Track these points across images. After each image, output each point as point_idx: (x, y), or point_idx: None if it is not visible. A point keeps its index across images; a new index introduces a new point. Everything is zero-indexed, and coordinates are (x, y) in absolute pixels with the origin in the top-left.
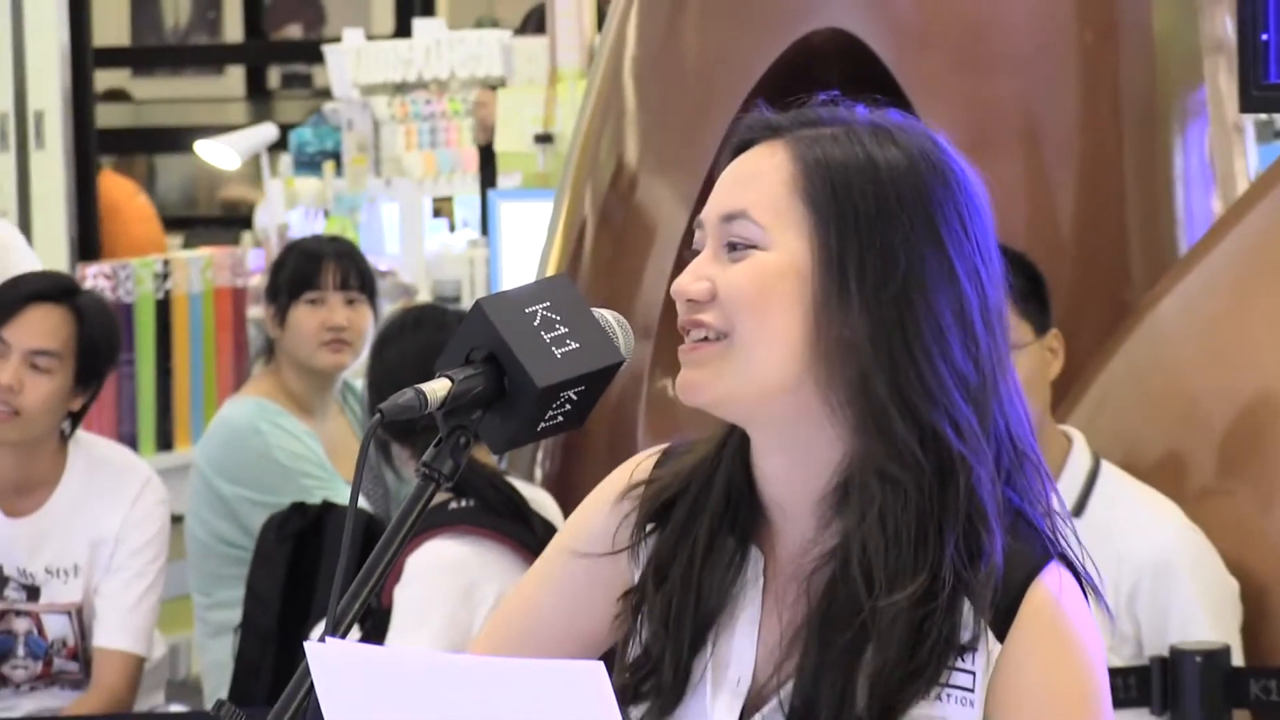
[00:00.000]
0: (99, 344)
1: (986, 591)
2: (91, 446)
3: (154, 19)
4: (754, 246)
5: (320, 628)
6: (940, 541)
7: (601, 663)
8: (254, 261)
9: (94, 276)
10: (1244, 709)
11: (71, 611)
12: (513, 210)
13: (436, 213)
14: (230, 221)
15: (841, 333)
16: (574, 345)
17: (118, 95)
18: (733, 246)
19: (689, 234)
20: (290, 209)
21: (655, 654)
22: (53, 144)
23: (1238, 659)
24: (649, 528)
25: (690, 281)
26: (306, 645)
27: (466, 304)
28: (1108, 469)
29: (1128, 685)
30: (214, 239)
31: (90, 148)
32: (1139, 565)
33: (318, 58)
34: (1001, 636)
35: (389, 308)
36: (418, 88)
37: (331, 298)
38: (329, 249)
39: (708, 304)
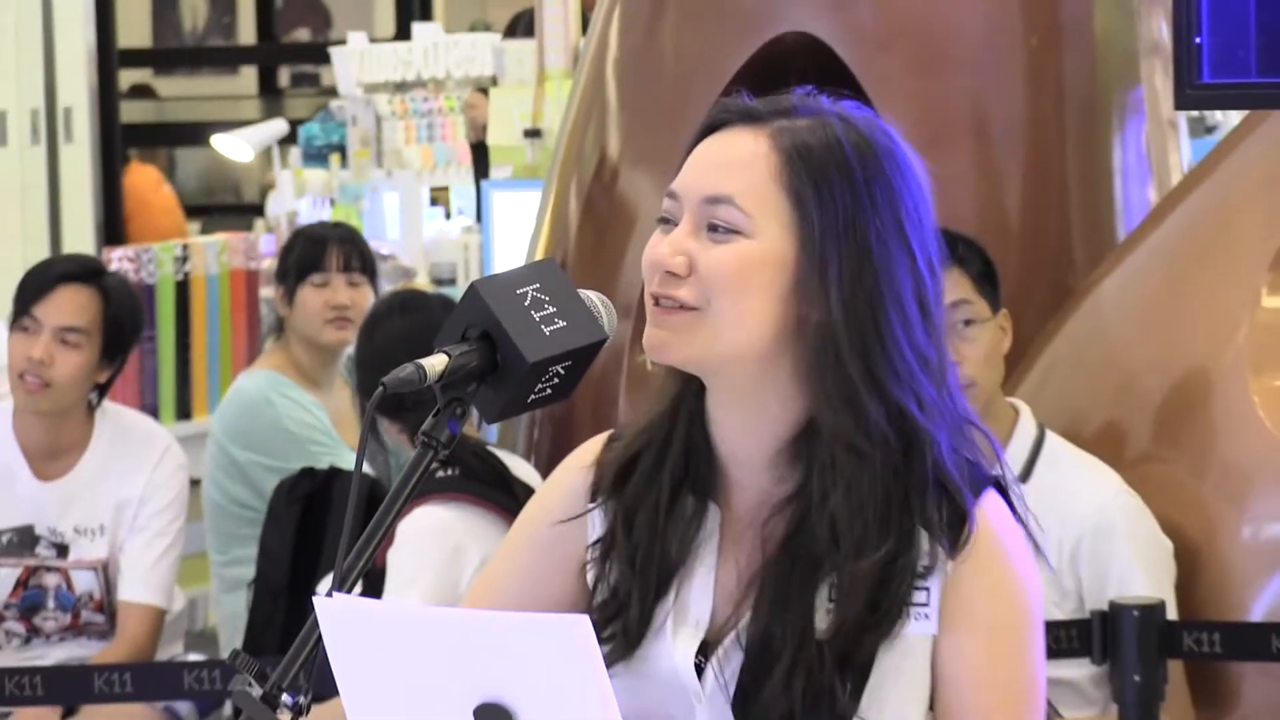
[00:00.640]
0: (123, 321)
1: (942, 525)
2: (116, 415)
3: (174, 22)
4: (738, 233)
5: (327, 583)
6: (907, 509)
7: (586, 616)
8: (265, 246)
9: (118, 259)
10: (1177, 659)
11: (98, 568)
12: (504, 199)
13: (434, 201)
14: (244, 209)
15: (816, 316)
16: (561, 324)
17: (141, 93)
18: (714, 228)
19: None
20: (299, 198)
21: (622, 596)
22: (80, 138)
23: (1172, 613)
24: (615, 482)
25: (670, 254)
26: (315, 600)
27: (461, 286)
28: (1052, 438)
29: (1070, 637)
30: (229, 225)
31: (115, 141)
32: (1080, 526)
33: (324, 59)
34: (952, 554)
35: (390, 288)
36: (416, 86)
37: (335, 279)
38: (333, 234)
39: (685, 278)
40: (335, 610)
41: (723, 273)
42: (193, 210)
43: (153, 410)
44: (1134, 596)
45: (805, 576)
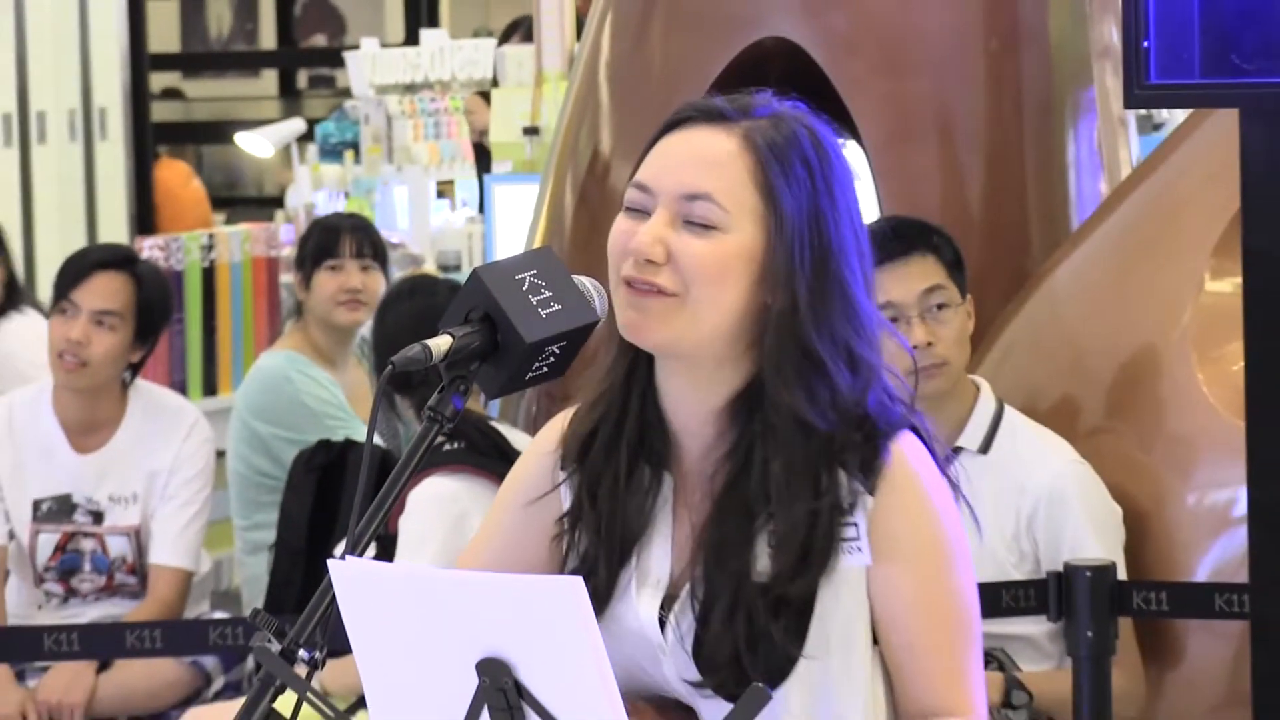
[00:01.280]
0: (154, 305)
1: (860, 463)
2: (148, 392)
3: (200, 29)
4: (716, 228)
5: (341, 547)
6: (832, 460)
7: (580, 577)
8: (285, 235)
9: (149, 248)
10: (1127, 617)
11: (131, 533)
12: (505, 192)
13: (440, 194)
14: (265, 201)
15: (779, 303)
16: (557, 307)
17: (170, 94)
18: (691, 222)
19: None
20: (316, 191)
21: (590, 562)
22: (114, 136)
23: (1122, 574)
24: (577, 458)
25: (649, 243)
26: (329, 562)
27: (465, 272)
28: (1010, 412)
29: (1028, 596)
30: (251, 216)
31: (146, 139)
32: (1036, 494)
33: (340, 62)
34: (872, 490)
35: (399, 274)
36: (424, 88)
37: (349, 265)
38: (347, 224)
39: (662, 265)
40: (347, 572)
41: (703, 265)
42: (218, 202)
43: (181, 387)
44: (1087, 559)
45: (741, 526)
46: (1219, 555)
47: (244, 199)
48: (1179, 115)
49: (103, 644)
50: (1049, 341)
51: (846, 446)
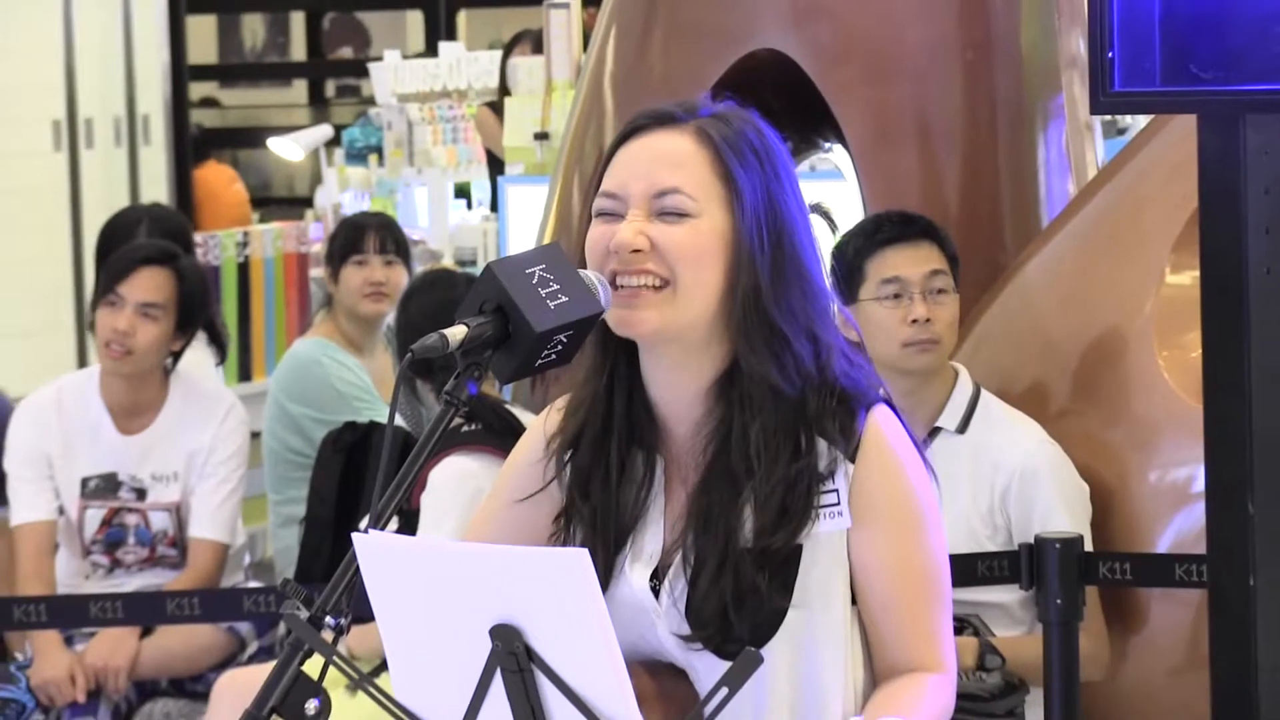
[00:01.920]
0: (194, 298)
1: (838, 431)
2: (187, 378)
3: (236, 42)
4: (688, 215)
5: (365, 521)
6: (808, 427)
7: (586, 550)
8: (314, 233)
9: None
10: (1093, 585)
11: (172, 509)
12: (517, 193)
13: (457, 194)
14: (296, 201)
15: (746, 280)
16: (564, 299)
17: (208, 102)
18: (665, 213)
19: None
20: (342, 191)
21: (589, 547)
22: (156, 141)
23: (1089, 546)
24: (567, 457)
25: (632, 235)
26: (353, 536)
27: (481, 266)
28: (985, 395)
29: (1001, 566)
30: (283, 215)
31: (186, 144)
32: (1009, 471)
33: (365, 73)
34: (852, 458)
35: (420, 268)
36: (443, 96)
37: (373, 259)
38: (371, 222)
39: (649, 254)
40: (370, 545)
41: (684, 248)
42: (252, 202)
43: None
44: (1056, 531)
45: (728, 492)
46: (1179, 528)
47: (276, 199)
48: (1141, 120)
49: (145, 611)
50: (1021, 330)
51: (824, 415)
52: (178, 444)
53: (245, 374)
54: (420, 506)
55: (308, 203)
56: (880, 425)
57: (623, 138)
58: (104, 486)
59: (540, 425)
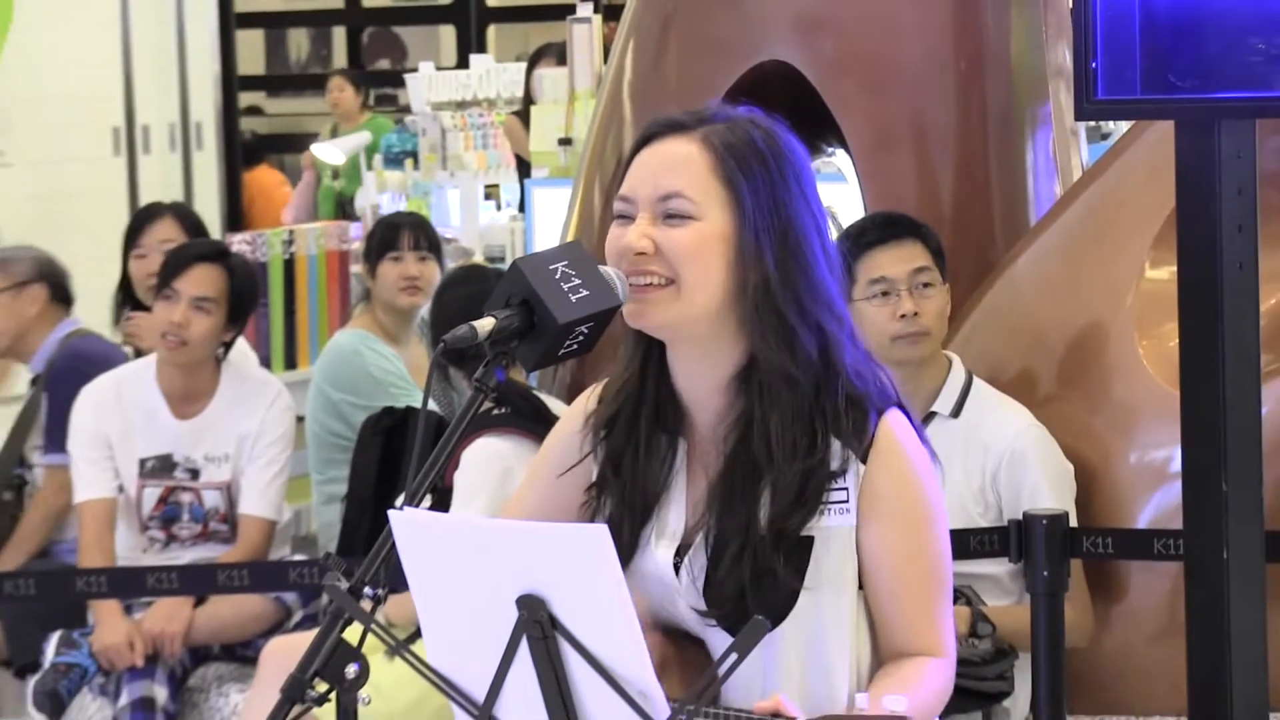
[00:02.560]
0: (244, 292)
1: (851, 432)
2: (238, 367)
3: (282, 54)
4: (690, 217)
5: (401, 499)
6: (823, 419)
7: (605, 526)
8: (354, 232)
9: (239, 243)
10: (1078, 559)
11: (223, 488)
12: (543, 194)
13: (487, 196)
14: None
15: (754, 277)
16: (585, 293)
17: (254, 110)
18: (669, 216)
19: None
20: (380, 193)
21: (615, 524)
22: (208, 146)
23: (1073, 522)
24: (602, 435)
25: (637, 239)
26: (390, 513)
27: (508, 262)
28: (977, 382)
29: (992, 541)
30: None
31: (236, 150)
32: (999, 452)
33: (401, 83)
34: (864, 459)
35: (452, 264)
36: (474, 105)
37: (408, 256)
38: (406, 221)
39: (653, 256)
40: (405, 521)
41: (684, 249)
42: None
43: (266, 362)
44: (1043, 509)
45: (748, 481)
46: (1157, 505)
47: None
48: (1122, 126)
49: (198, 582)
50: (1011, 321)
51: (839, 415)
52: (229, 428)
53: (291, 363)
54: (453, 485)
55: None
56: (893, 429)
57: (638, 144)
58: (160, 467)
59: (579, 407)
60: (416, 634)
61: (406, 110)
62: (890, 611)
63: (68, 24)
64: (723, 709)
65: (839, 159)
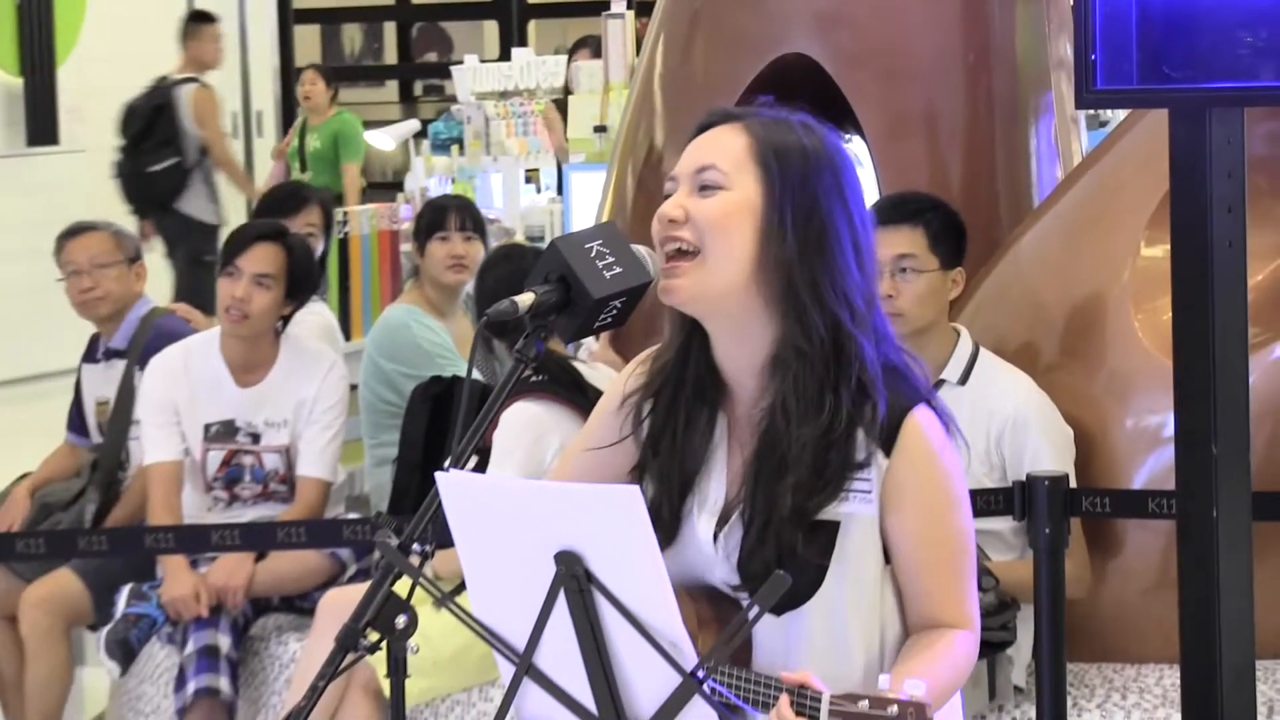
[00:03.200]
0: (301, 269)
1: (874, 425)
2: (296, 339)
3: (337, 47)
4: (720, 188)
5: (448, 462)
6: (836, 395)
7: (637, 486)
8: (404, 213)
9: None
10: (1077, 517)
11: (282, 451)
12: (579, 178)
13: (527, 180)
14: (389, 186)
15: (778, 252)
16: (618, 270)
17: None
18: (703, 188)
19: None
20: (428, 177)
21: (655, 505)
22: (268, 133)
23: (1073, 483)
24: (646, 410)
25: (670, 208)
26: (436, 474)
27: (547, 241)
28: (984, 352)
29: (997, 500)
30: (377, 198)
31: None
32: (1004, 418)
33: (447, 75)
34: (889, 453)
35: (495, 243)
36: (515, 95)
37: (454, 235)
38: (453, 203)
39: (683, 224)
40: (451, 482)
41: (713, 215)
42: None
43: None
44: (1044, 470)
45: (772, 458)
46: (1151, 467)
47: (371, 184)
48: (1120, 114)
49: (259, 539)
50: (1015, 296)
51: (858, 405)
52: (287, 395)
53: (345, 335)
54: (492, 444)
55: (399, 187)
56: (920, 424)
57: (693, 134)
58: (224, 431)
59: (619, 386)
60: (461, 587)
61: (452, 100)
62: (916, 588)
63: (137, 21)
64: (752, 673)
65: (855, 145)
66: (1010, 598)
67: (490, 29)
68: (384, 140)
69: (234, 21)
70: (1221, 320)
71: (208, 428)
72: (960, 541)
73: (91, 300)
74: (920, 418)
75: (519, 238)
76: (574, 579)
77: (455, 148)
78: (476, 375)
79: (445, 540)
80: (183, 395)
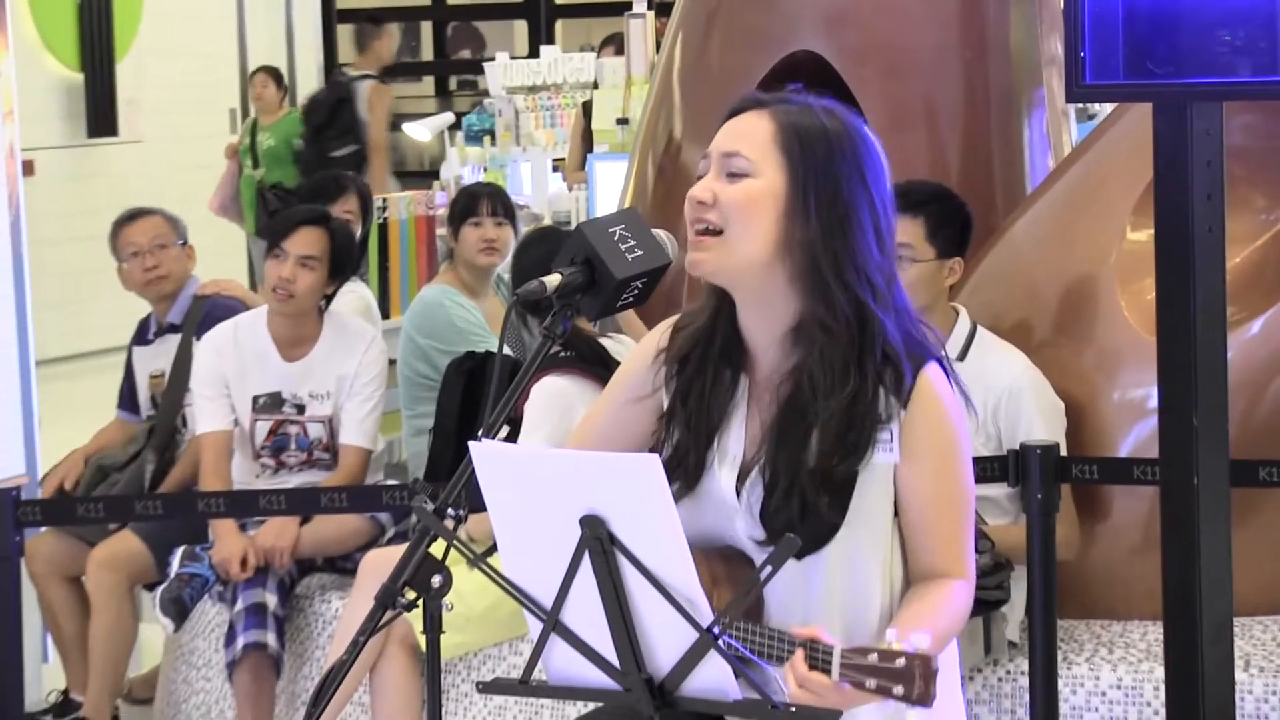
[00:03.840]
0: (343, 252)
1: (900, 387)
2: (338, 316)
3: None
4: (746, 175)
5: (481, 431)
6: (860, 368)
7: (657, 455)
8: (440, 200)
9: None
10: (1067, 484)
11: (325, 421)
12: (603, 167)
13: (555, 169)
14: (425, 174)
15: (802, 234)
16: (640, 252)
17: None
18: (731, 174)
19: None
20: (462, 166)
21: (682, 451)
22: None
23: (1064, 452)
24: (675, 371)
25: (700, 190)
26: (470, 444)
27: (573, 226)
28: (981, 330)
29: (993, 467)
30: (415, 185)
31: None
32: (999, 391)
33: (480, 70)
34: (905, 405)
35: (525, 228)
36: (544, 89)
37: (486, 221)
38: (485, 190)
39: (711, 206)
40: (484, 450)
41: (737, 201)
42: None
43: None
44: (1037, 440)
45: (797, 423)
46: (1137, 437)
47: (409, 173)
48: (1107, 108)
49: (304, 503)
50: (1010, 277)
51: (885, 368)
52: (330, 369)
53: (385, 313)
54: (523, 416)
55: (434, 175)
56: (931, 380)
57: (725, 117)
58: (271, 403)
59: (652, 342)
60: (493, 548)
61: (485, 94)
62: (921, 539)
63: (192, 18)
64: (765, 628)
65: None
66: (1005, 559)
67: (520, 28)
68: (421, 131)
69: (281, 21)
70: (1202, 300)
71: (256, 399)
72: (964, 492)
73: (155, 279)
74: (932, 374)
75: (546, 223)
76: (598, 541)
77: (487, 139)
78: (507, 351)
79: (478, 505)
80: (232, 369)
